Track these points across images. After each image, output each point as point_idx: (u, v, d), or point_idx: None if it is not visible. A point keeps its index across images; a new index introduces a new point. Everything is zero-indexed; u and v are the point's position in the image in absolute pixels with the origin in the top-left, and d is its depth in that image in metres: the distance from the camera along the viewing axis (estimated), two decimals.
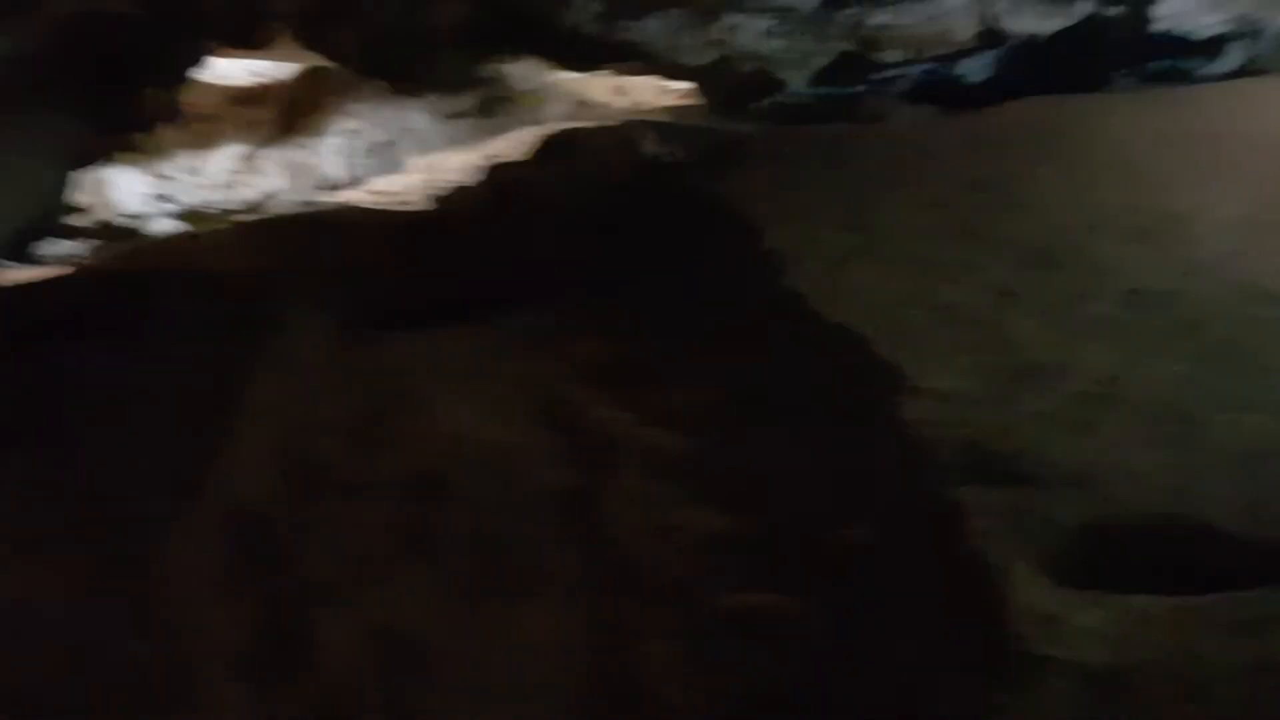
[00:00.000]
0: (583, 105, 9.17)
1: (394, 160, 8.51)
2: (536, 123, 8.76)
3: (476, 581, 2.45)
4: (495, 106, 8.86)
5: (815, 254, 3.38)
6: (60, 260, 7.36)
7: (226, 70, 7.91)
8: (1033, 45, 5.56)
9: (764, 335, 3.16)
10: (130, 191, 7.96)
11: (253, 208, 7.95)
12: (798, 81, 5.51)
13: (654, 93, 9.00)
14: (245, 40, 4.33)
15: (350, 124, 8.54)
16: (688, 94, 8.31)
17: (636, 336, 3.35)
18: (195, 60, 4.07)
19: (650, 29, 4.82)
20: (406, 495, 2.77)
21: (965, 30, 5.26)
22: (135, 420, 2.96)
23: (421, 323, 3.83)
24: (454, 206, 5.27)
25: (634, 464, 2.83)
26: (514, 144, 7.02)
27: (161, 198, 8.11)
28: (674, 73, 5.52)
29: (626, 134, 5.70)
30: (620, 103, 9.17)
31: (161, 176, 8.09)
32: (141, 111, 3.78)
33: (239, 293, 3.74)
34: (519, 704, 2.16)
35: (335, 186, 8.38)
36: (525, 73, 8.43)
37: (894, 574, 2.25)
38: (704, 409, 2.97)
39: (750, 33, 5.00)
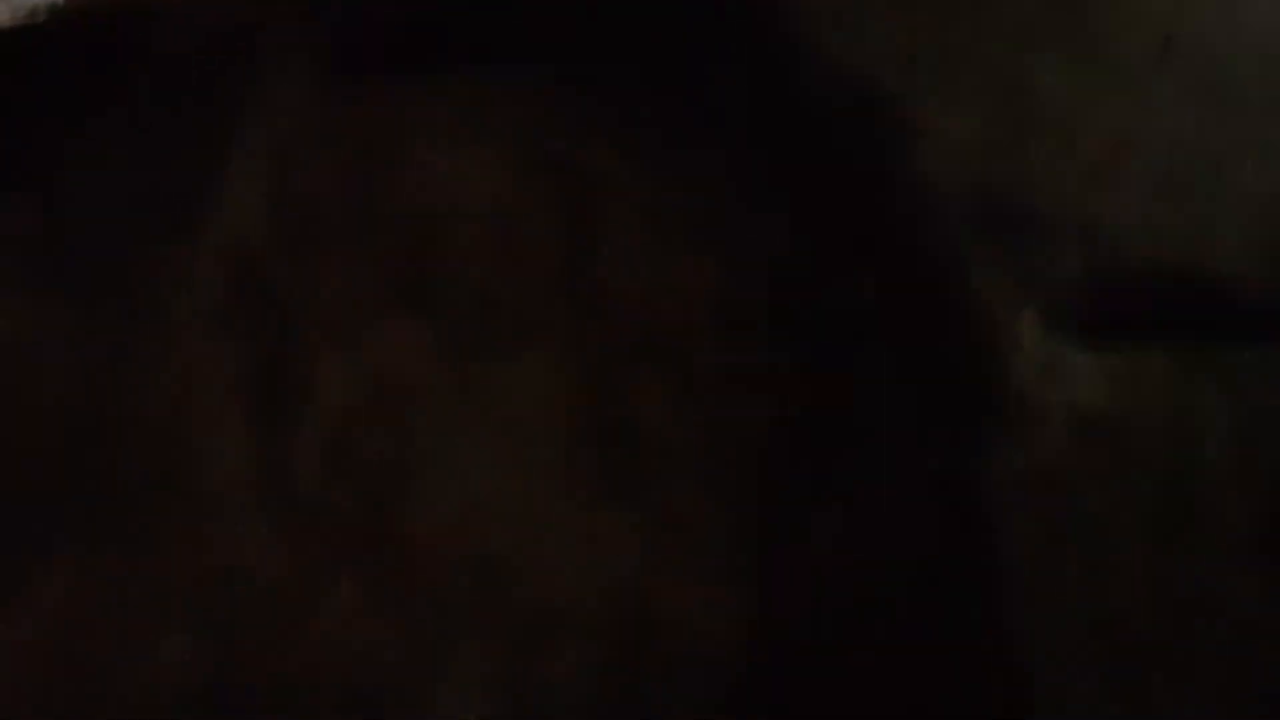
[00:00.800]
0: None
1: None
2: None
3: (471, 333, 2.43)
4: None
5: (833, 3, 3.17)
6: (41, 9, 7.06)
7: None
8: None
9: (775, 88, 3.00)
10: None
11: None
12: None
13: None
14: None
15: None
16: None
17: (641, 93, 3.20)
18: None
19: None
20: (399, 242, 2.71)
21: None
22: (124, 173, 2.87)
23: (409, 66, 3.66)
24: None
25: (632, 218, 2.76)
26: None
27: None
28: None
29: None
30: None
31: None
32: None
33: (225, 37, 3.57)
34: (513, 444, 2.18)
35: None
36: None
37: (894, 326, 2.21)
38: (703, 164, 2.86)
39: None
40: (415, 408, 2.21)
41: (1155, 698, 1.80)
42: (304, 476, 2.21)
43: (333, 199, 2.86)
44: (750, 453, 2.08)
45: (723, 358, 2.31)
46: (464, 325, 2.45)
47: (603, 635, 2.11)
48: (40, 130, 3.11)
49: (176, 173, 2.86)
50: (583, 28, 3.83)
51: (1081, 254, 2.18)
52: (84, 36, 3.76)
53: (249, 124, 3.12)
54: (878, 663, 1.96)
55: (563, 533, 2.23)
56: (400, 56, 3.87)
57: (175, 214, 2.71)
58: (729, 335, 2.33)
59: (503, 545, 2.27)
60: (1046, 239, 2.22)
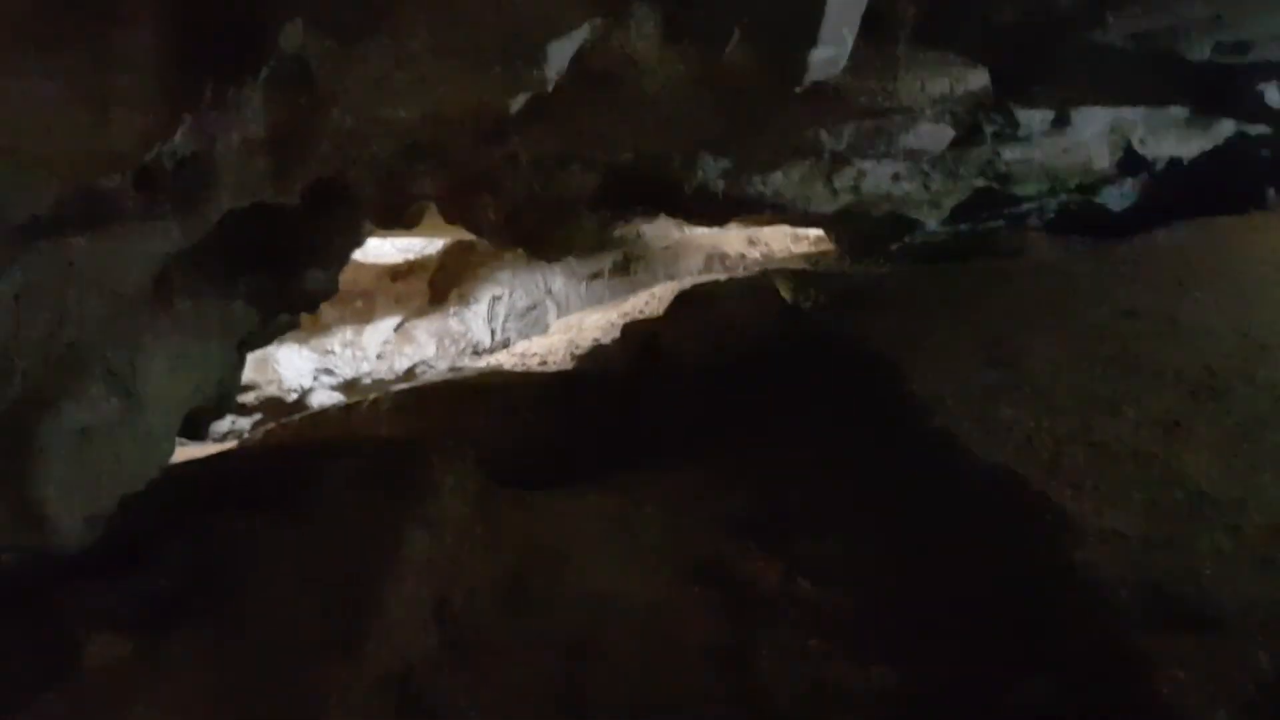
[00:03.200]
0: (717, 257, 9.36)
1: (538, 322, 8.79)
2: (673, 278, 8.95)
3: None
4: (632, 265, 9.11)
5: (961, 393, 3.27)
6: (233, 435, 7.77)
7: (379, 249, 8.39)
8: (1178, 168, 5.38)
9: (914, 480, 3.05)
10: (295, 367, 8.41)
11: (406, 375, 8.30)
12: (933, 220, 5.46)
13: (786, 240, 9.12)
14: (397, 220, 4.54)
15: (495, 290, 8.90)
16: (820, 240, 8.38)
17: (782, 487, 3.28)
18: (353, 242, 4.30)
19: (777, 181, 4.88)
20: (557, 656, 2.73)
21: (1103, 159, 5.15)
22: (299, 587, 3.02)
23: (565, 481, 3.85)
24: (592, 365, 5.37)
25: (788, 619, 2.74)
26: (650, 300, 7.17)
27: (324, 371, 8.54)
28: (805, 220, 5.55)
29: (760, 283, 5.70)
30: (753, 253, 9.31)
31: (324, 352, 8.54)
32: (304, 292, 3.99)
33: (392, 458, 3.83)
34: None
35: (482, 351, 8.70)
36: (659, 230, 8.67)
37: None
38: (859, 560, 2.87)
39: (879, 177, 5.02)
40: None
41: None
42: None
43: (491, 613, 2.93)
44: None
45: None
46: None
47: None
48: (233, 552, 3.32)
49: (348, 591, 2.99)
50: (722, 427, 4.02)
51: (1273, 646, 2.06)
52: (268, 464, 4.09)
53: (414, 538, 3.28)
54: None
55: None
56: (556, 470, 4.09)
57: (346, 633, 2.80)
58: None
59: None
60: (1233, 631, 2.12)
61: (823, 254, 7.80)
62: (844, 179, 4.94)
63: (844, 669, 2.49)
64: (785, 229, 8.60)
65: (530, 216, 4.79)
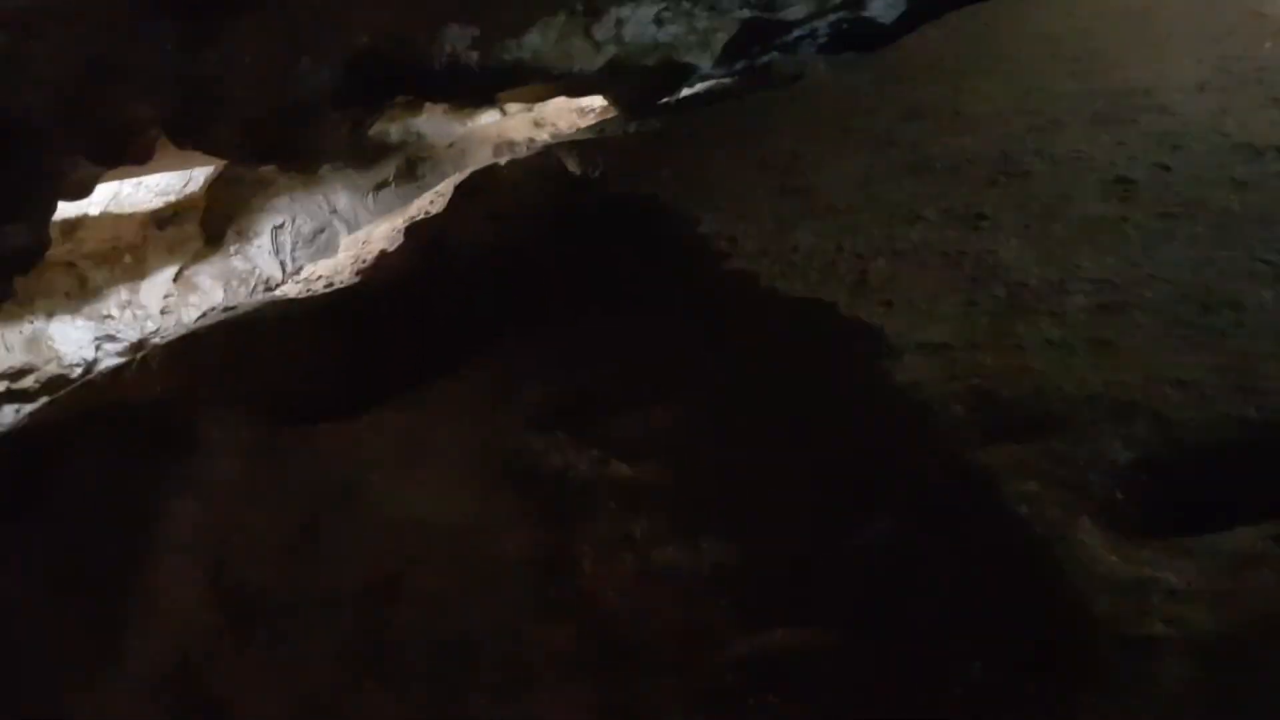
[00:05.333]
0: (505, 146, 8.78)
1: (329, 246, 8.08)
2: (460, 174, 8.36)
3: (449, 697, 2.00)
4: (418, 169, 8.45)
5: (756, 231, 2.93)
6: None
7: (133, 196, 7.50)
8: None
9: (722, 334, 2.71)
10: (73, 340, 7.51)
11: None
12: (706, 62, 5.07)
13: (573, 117, 8.60)
14: (120, 154, 3.88)
15: (275, 220, 8.11)
16: (605, 110, 7.90)
17: (586, 369, 2.90)
18: (57, 186, 3.64)
19: (533, 43, 4.39)
20: (358, 606, 2.32)
21: None
22: (38, 592, 2.51)
23: (359, 408, 3.39)
24: (376, 276, 4.84)
25: (607, 509, 2.39)
26: (435, 199, 6.60)
27: (106, 339, 7.67)
28: (575, 85, 5.08)
29: (544, 161, 5.24)
30: (541, 135, 8.76)
31: (101, 318, 7.66)
32: (5, 253, 3.35)
33: (149, 419, 3.29)
34: None
35: (276, 286, 7.97)
36: (440, 128, 8.04)
37: (932, 570, 1.80)
38: (676, 431, 2.52)
39: (641, 22, 4.59)
40: None
41: None
42: None
43: (277, 575, 2.49)
44: None
45: (745, 647, 1.88)
46: (442, 686, 2.03)
47: None
48: None
49: (96, 585, 2.50)
50: (522, 315, 3.60)
51: (1123, 435, 1.81)
52: (9, 458, 3.47)
53: (177, 506, 2.78)
54: None
55: None
56: (345, 396, 3.61)
57: (102, 635, 2.33)
58: (746, 620, 1.92)
59: None
60: (1076, 428, 1.86)
61: (607, 121, 7.36)
62: (604, 29, 4.49)
63: (674, 551, 2.16)
64: (569, 105, 8.09)
65: (269, 126, 4.18)
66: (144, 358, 4.66)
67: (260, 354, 4.21)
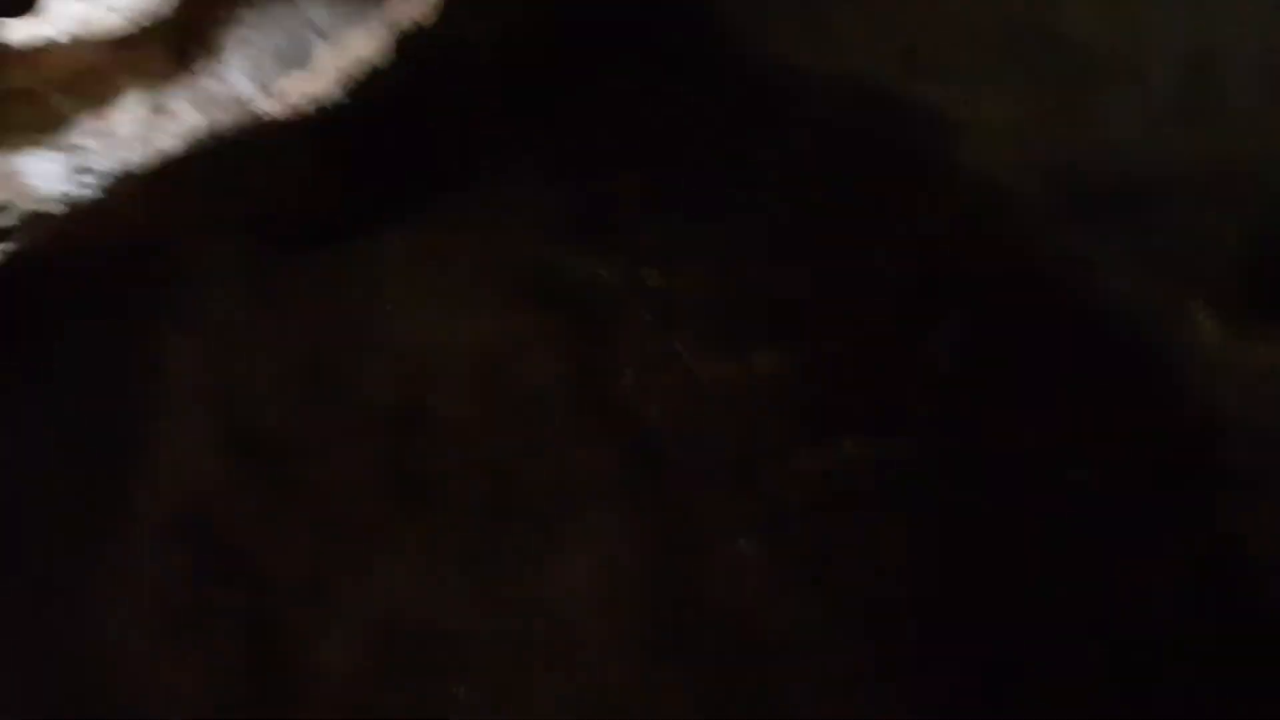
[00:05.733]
0: None
1: (304, 60, 7.67)
2: None
3: (493, 535, 1.85)
4: None
5: (782, 6, 2.62)
6: None
7: (89, 13, 7.03)
8: None
9: (755, 130, 2.44)
10: (45, 173, 7.19)
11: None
12: None
13: None
14: None
15: (248, 34, 7.68)
16: None
17: (609, 173, 2.64)
18: None
19: None
20: (378, 440, 2.15)
21: None
22: (39, 445, 2.34)
23: (358, 231, 3.14)
24: (368, 94, 4.48)
25: (642, 321, 2.19)
26: (424, 4, 6.15)
27: (81, 170, 7.35)
28: None
29: None
30: None
31: (70, 148, 7.31)
32: None
33: (135, 249, 3.05)
34: (576, 674, 1.60)
35: (252, 105, 7.60)
36: None
37: (1017, 369, 1.62)
38: (713, 235, 2.29)
39: None
40: (443, 655, 1.63)
41: None
42: None
43: (292, 410, 2.32)
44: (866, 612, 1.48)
45: (809, 462, 1.73)
46: (482, 524, 1.89)
47: None
48: None
49: (104, 430, 2.32)
50: (531, 119, 3.32)
51: (1226, 211, 1.60)
52: None
53: (175, 345, 2.58)
54: None
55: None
56: (345, 218, 3.37)
57: (108, 482, 2.17)
58: (809, 432, 1.76)
59: None
60: (1176, 211, 1.64)
61: None
62: None
63: (723, 363, 1.98)
64: None
65: None
66: (124, 187, 4.38)
67: (250, 180, 3.92)
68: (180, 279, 2.80)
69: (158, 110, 7.34)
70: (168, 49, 7.14)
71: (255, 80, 7.52)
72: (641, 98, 2.84)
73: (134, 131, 7.11)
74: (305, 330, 2.60)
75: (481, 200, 2.95)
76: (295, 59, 7.47)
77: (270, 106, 5.76)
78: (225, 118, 7.07)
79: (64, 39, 5.93)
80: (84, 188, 6.72)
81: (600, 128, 2.87)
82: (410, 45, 4.89)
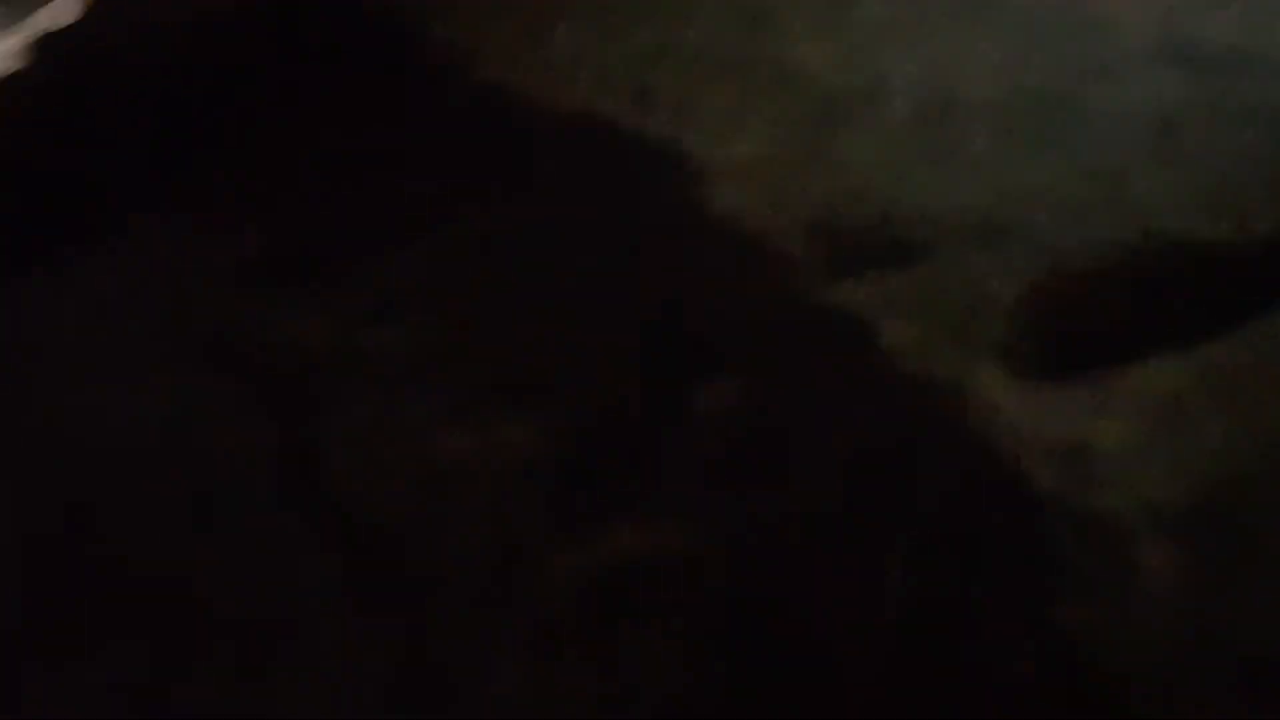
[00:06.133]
0: None
1: None
2: None
3: (180, 672, 1.46)
4: None
5: (502, 36, 2.37)
6: None
7: None
8: None
9: (475, 156, 2.18)
10: None
11: None
12: None
13: None
14: None
15: None
16: None
17: (304, 212, 2.28)
18: None
19: None
20: (37, 549, 1.70)
21: None
22: None
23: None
24: (3, 105, 3.79)
25: (359, 387, 1.86)
26: (66, 8, 5.36)
27: None
28: None
29: None
30: None
31: None
32: None
33: None
34: None
35: None
36: None
37: (800, 440, 1.45)
38: (437, 284, 2.00)
39: None
40: None
41: None
42: None
43: None
44: None
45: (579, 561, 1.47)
46: (165, 656, 1.49)
47: None
48: None
49: None
50: (199, 148, 2.87)
51: (1000, 270, 1.50)
52: None
53: None
54: None
55: None
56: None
57: None
58: (577, 524, 1.50)
59: None
60: (944, 263, 1.53)
61: None
62: None
63: (457, 439, 1.69)
64: None
65: None
66: None
67: None
68: None
69: None
70: None
71: None
72: (346, 123, 2.50)
73: None
74: None
75: (149, 241, 2.50)
76: None
77: None
78: None
79: None
80: None
81: (296, 155, 2.50)
82: (57, 56, 4.23)
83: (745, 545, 1.36)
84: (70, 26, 4.18)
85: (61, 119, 3.29)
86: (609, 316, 1.69)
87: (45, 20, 4.99)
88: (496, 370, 1.70)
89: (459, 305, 1.84)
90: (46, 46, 4.13)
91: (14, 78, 4.25)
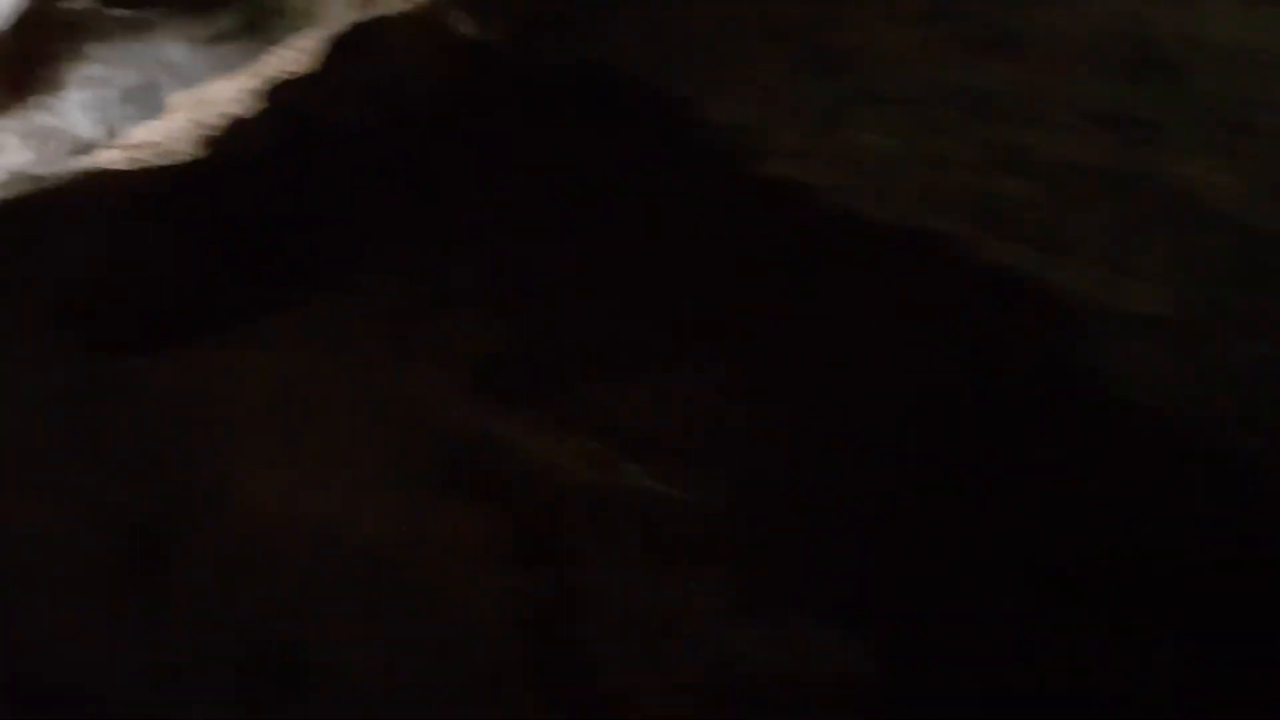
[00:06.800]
0: (368, 2, 7.42)
1: (154, 104, 6.67)
2: (318, 29, 6.97)
3: None
4: (264, 19, 7.04)
5: (792, 120, 2.02)
6: None
7: None
8: None
9: (763, 277, 1.80)
10: None
11: None
12: None
13: None
14: None
15: (95, 70, 6.62)
16: None
17: (560, 316, 1.95)
18: None
19: None
20: (231, 697, 1.38)
21: None
22: None
23: (203, 325, 2.37)
24: (228, 150, 3.65)
25: (616, 541, 1.50)
26: (297, 56, 5.32)
27: None
28: None
29: (435, 18, 4.09)
30: None
31: None
32: None
33: None
34: None
35: (91, 148, 6.54)
36: None
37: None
38: (707, 423, 1.63)
39: None
40: None
41: None
42: None
43: (96, 640, 1.51)
44: None
45: None
46: None
47: None
48: None
49: None
50: (422, 216, 2.60)
51: None
52: None
53: None
54: None
55: None
56: (186, 312, 2.56)
57: None
58: None
59: None
60: None
61: None
62: None
63: (748, 637, 1.30)
64: None
65: None
66: None
67: (72, 246, 3.05)
68: None
69: None
70: (2, 75, 5.86)
71: (98, 121, 6.27)
72: (606, 213, 2.16)
73: None
74: (123, 483, 1.80)
75: (373, 312, 2.22)
76: (144, 102, 6.26)
77: (112, 155, 4.70)
78: (58, 156, 5.82)
79: None
80: None
81: (547, 244, 2.18)
82: (288, 106, 4.08)
83: None
84: (303, 78, 4.05)
85: (290, 173, 3.10)
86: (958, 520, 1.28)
87: (274, 65, 4.89)
88: (797, 560, 1.30)
89: (748, 460, 1.45)
90: (279, 96, 4.01)
91: (245, 124, 4.13)
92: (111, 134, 6.37)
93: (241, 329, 2.35)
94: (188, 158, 4.04)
